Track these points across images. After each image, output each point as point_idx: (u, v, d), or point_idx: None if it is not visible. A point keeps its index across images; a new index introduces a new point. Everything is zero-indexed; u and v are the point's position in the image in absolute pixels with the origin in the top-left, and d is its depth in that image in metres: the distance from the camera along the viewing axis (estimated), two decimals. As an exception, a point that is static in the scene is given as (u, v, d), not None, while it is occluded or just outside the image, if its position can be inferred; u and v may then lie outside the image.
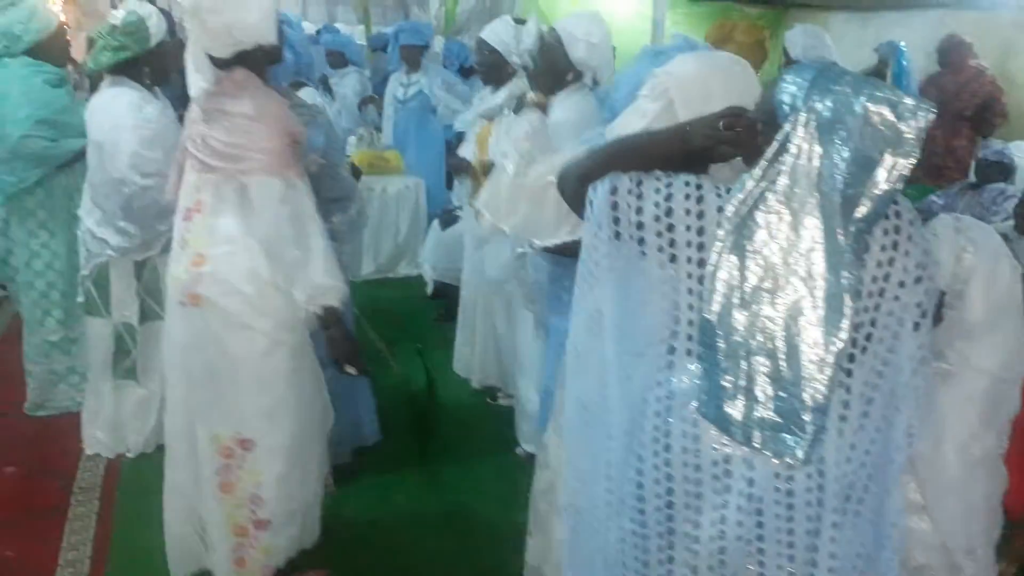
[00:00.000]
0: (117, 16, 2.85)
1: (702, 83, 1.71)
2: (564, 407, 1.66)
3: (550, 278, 2.32)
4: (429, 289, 4.77)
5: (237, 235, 2.04)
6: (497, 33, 3.53)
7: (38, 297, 3.29)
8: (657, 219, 1.29)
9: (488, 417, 3.65)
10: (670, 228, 1.29)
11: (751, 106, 1.75)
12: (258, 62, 2.11)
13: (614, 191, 1.32)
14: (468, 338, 3.82)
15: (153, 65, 2.89)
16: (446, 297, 4.57)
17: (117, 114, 2.80)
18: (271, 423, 2.13)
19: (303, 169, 2.14)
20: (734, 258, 1.24)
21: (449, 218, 4.36)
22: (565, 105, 2.83)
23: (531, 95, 2.97)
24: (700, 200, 1.29)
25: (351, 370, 2.15)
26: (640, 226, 1.29)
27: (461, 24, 8.40)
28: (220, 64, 2.08)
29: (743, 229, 1.25)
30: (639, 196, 1.30)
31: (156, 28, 2.87)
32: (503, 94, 3.50)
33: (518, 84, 3.48)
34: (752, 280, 1.24)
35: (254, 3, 2.05)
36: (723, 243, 1.24)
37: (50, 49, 3.18)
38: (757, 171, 1.25)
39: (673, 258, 1.30)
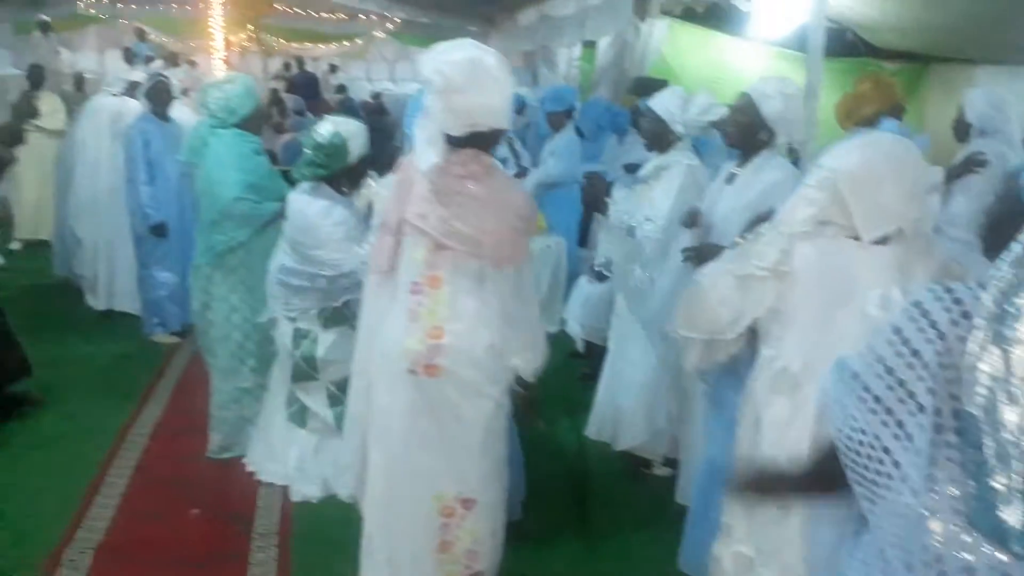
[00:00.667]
0: (323, 133, 3.13)
1: (870, 171, 1.83)
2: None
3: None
4: (579, 346, 4.81)
5: (475, 311, 2.20)
6: (664, 103, 3.62)
7: (235, 348, 3.56)
8: None
9: (641, 482, 3.65)
10: None
11: (922, 185, 1.81)
12: (486, 144, 2.23)
13: None
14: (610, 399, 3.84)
15: (350, 174, 3.19)
16: (594, 357, 4.61)
17: (311, 217, 3.10)
18: (490, 481, 2.30)
19: (529, 248, 2.29)
20: (996, 349, 1.21)
21: (599, 275, 4.42)
22: (774, 167, 2.90)
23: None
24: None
25: (540, 424, 2.39)
26: None
27: (594, 83, 8.58)
28: (452, 142, 2.19)
29: (1006, 317, 1.22)
30: None
31: (357, 146, 3.15)
32: (651, 167, 3.60)
33: (673, 156, 3.56)
34: (1020, 372, 1.20)
35: (498, 88, 2.14)
36: (982, 333, 1.22)
37: (254, 122, 3.54)
38: (1011, 256, 1.23)
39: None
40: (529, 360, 2.25)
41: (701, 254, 2.86)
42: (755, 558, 2.09)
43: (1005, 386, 1.18)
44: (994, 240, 1.33)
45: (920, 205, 1.87)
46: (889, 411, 1.34)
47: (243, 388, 3.61)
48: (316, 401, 3.32)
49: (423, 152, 2.18)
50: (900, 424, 1.34)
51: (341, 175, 3.18)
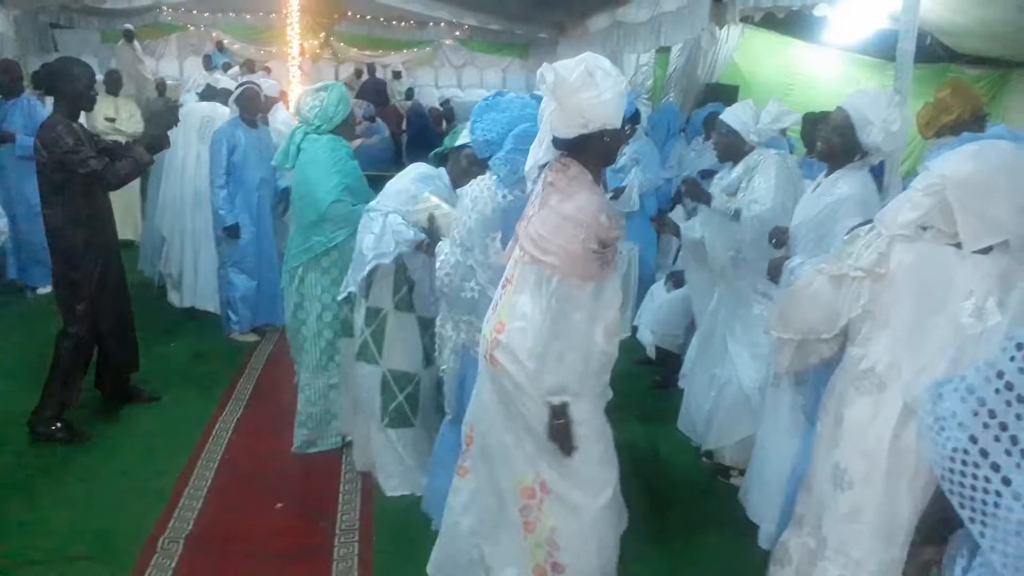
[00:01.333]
0: None
1: (983, 182, 1.80)
2: None
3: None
4: (651, 353, 4.80)
5: (530, 315, 2.26)
6: (736, 115, 3.69)
7: (325, 345, 3.68)
8: None
9: (715, 491, 3.63)
10: None
11: None
12: (597, 151, 2.24)
13: None
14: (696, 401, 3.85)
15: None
16: (665, 364, 4.61)
17: (397, 188, 3.20)
18: (564, 478, 2.33)
19: (603, 272, 2.27)
20: None
21: (678, 280, 4.41)
22: (848, 182, 2.85)
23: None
24: None
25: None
26: None
27: (665, 88, 8.57)
28: (561, 145, 2.23)
29: None
30: None
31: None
32: (740, 169, 3.62)
33: (757, 155, 3.61)
34: None
35: (609, 83, 2.14)
36: None
37: (346, 128, 3.67)
38: None
39: None
40: (558, 390, 2.25)
41: (775, 269, 2.87)
42: (818, 551, 2.11)
43: None
44: None
45: None
46: (1003, 426, 1.34)
47: (332, 384, 3.73)
48: (371, 387, 3.37)
49: (534, 152, 2.25)
50: (1014, 440, 1.33)
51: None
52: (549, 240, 2.20)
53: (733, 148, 3.70)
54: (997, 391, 1.35)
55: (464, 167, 3.07)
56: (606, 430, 2.41)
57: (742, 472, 3.51)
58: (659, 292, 4.67)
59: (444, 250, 2.73)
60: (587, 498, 2.35)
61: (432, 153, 3.41)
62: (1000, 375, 1.35)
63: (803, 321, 2.19)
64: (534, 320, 2.24)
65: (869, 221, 2.14)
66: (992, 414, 1.35)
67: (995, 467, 1.35)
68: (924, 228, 1.93)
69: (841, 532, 2.02)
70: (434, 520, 3.01)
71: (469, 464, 2.56)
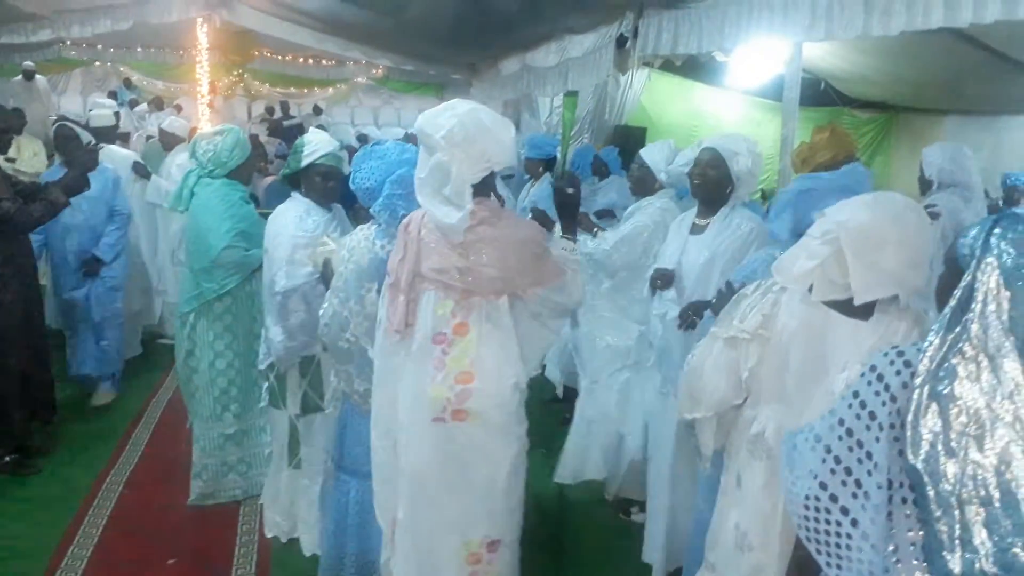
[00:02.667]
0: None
1: (876, 232, 1.76)
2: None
3: None
4: (559, 392, 4.82)
5: (500, 352, 2.26)
6: (653, 152, 3.85)
7: (219, 394, 3.57)
8: None
9: (618, 531, 3.64)
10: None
11: (926, 251, 1.79)
12: (488, 188, 2.31)
13: None
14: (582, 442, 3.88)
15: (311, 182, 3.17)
16: (572, 402, 4.63)
17: (282, 223, 3.11)
18: (512, 519, 2.37)
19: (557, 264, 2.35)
20: (934, 406, 1.27)
21: (576, 320, 4.45)
22: (744, 217, 2.99)
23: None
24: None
25: None
26: None
27: (576, 131, 8.73)
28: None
29: (940, 376, 1.28)
30: None
31: (310, 151, 3.16)
32: (630, 210, 3.80)
33: (653, 198, 3.77)
34: (956, 427, 1.26)
35: (505, 131, 2.27)
36: (920, 391, 1.28)
37: (243, 171, 3.61)
38: (943, 320, 1.29)
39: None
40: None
41: (691, 312, 2.90)
42: None
43: (944, 440, 1.24)
44: (942, 302, 1.38)
45: (922, 273, 1.78)
46: (848, 471, 1.40)
47: (226, 435, 3.61)
48: (321, 437, 3.23)
49: (441, 209, 2.21)
50: (858, 483, 1.39)
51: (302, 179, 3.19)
52: (508, 268, 2.23)
53: (644, 184, 3.85)
54: (840, 438, 1.41)
55: (319, 185, 3.15)
56: None
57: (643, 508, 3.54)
58: (564, 330, 4.70)
59: (328, 299, 2.70)
60: (518, 530, 2.40)
61: (280, 175, 3.39)
62: (841, 422, 1.41)
63: (712, 394, 2.09)
64: (508, 355, 2.27)
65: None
66: (837, 460, 1.41)
67: (844, 511, 1.40)
68: (823, 279, 1.87)
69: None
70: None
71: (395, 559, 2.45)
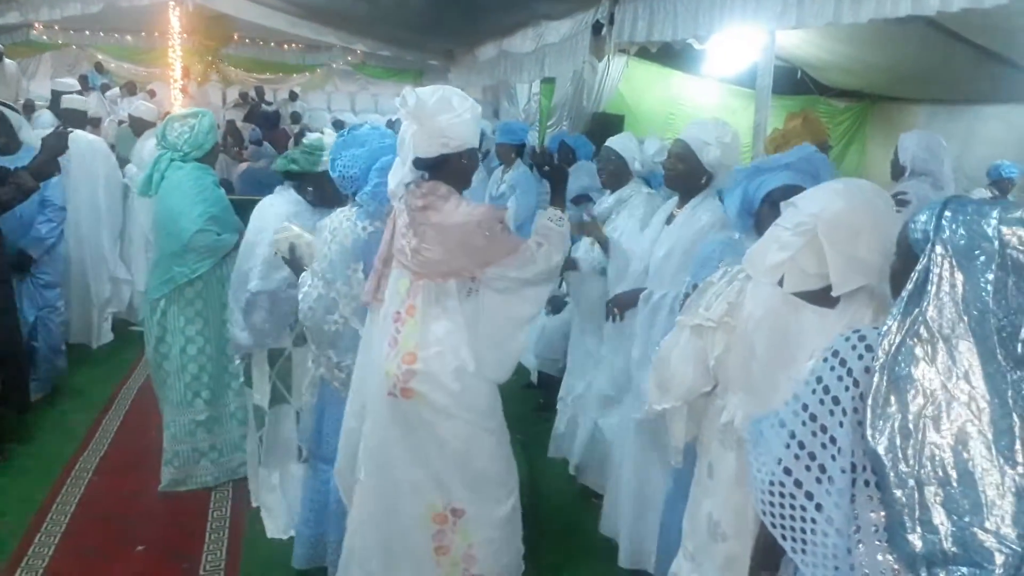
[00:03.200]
0: (311, 135, 3.20)
1: (852, 221, 1.73)
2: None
3: None
4: (533, 378, 4.83)
5: (443, 337, 2.31)
6: (624, 143, 3.83)
7: (190, 380, 3.55)
8: None
9: (590, 514, 3.66)
10: None
11: (894, 238, 1.78)
12: (454, 170, 2.35)
13: None
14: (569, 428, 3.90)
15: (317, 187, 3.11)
16: (547, 387, 4.65)
17: (266, 219, 3.08)
18: (477, 496, 2.42)
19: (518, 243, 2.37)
20: (893, 388, 1.28)
21: (557, 304, 4.46)
22: (707, 209, 2.98)
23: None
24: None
25: None
26: None
27: (553, 118, 8.72)
28: (422, 166, 2.31)
29: (897, 359, 1.29)
30: None
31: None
32: (612, 200, 3.75)
33: (630, 189, 3.75)
34: (913, 409, 1.27)
35: (467, 106, 2.30)
36: (880, 375, 1.29)
37: (213, 155, 3.59)
38: (900, 304, 1.31)
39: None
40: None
41: (621, 303, 2.95)
42: None
43: (903, 423, 1.26)
44: (897, 290, 1.40)
45: (889, 260, 1.70)
46: (812, 456, 1.41)
47: (198, 421, 3.59)
48: (286, 428, 3.26)
49: (395, 173, 2.30)
50: (822, 468, 1.41)
51: (309, 182, 3.13)
52: (451, 253, 2.28)
53: (618, 175, 3.82)
54: (804, 423, 1.42)
55: (329, 193, 3.01)
56: (507, 433, 2.52)
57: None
58: (541, 317, 4.71)
59: (307, 282, 2.67)
60: (499, 506, 2.44)
61: (281, 168, 3.21)
62: (804, 407, 1.42)
63: (681, 383, 2.04)
64: (452, 341, 2.32)
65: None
66: (801, 445, 1.42)
67: (808, 496, 1.42)
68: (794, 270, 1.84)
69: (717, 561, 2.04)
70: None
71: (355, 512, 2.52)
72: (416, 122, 2.25)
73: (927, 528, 1.21)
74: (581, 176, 5.19)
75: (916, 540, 1.23)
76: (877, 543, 1.35)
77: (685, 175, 2.98)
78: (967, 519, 1.19)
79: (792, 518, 1.45)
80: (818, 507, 1.41)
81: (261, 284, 3.01)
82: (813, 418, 1.41)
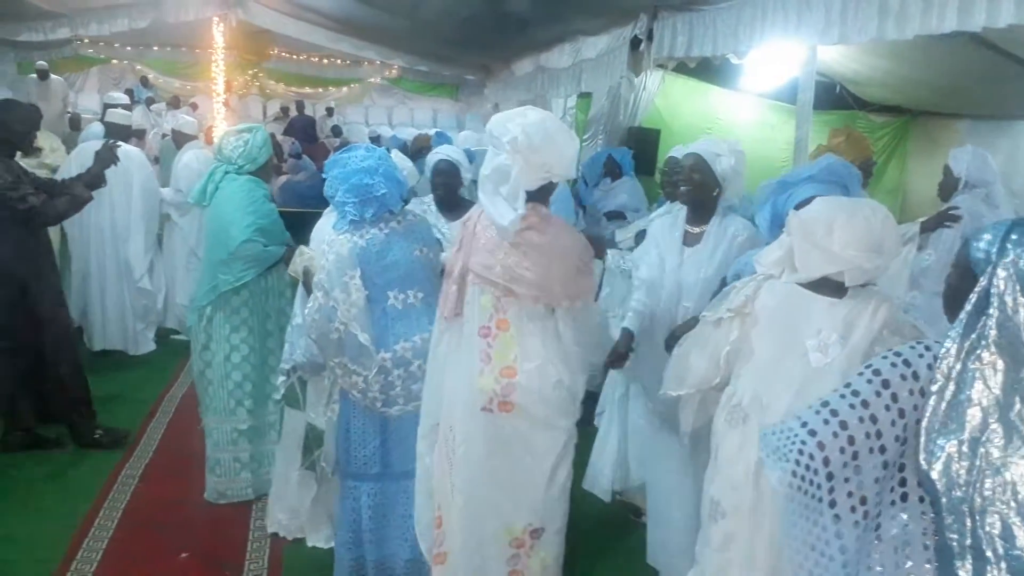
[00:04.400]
0: None
1: (822, 217, 2.00)
2: None
3: None
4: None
5: (542, 350, 2.34)
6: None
7: (233, 388, 3.61)
8: None
9: (629, 532, 3.64)
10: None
11: (878, 240, 1.94)
12: (545, 195, 2.42)
13: None
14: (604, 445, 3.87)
15: None
16: (583, 402, 4.63)
17: (322, 232, 3.14)
18: (557, 509, 2.45)
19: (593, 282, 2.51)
20: (952, 413, 1.27)
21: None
22: (735, 226, 2.98)
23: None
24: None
25: None
26: None
27: (590, 132, 8.74)
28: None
29: (956, 382, 1.28)
30: None
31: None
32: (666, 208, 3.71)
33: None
34: (970, 434, 1.26)
35: (569, 141, 2.37)
36: (937, 397, 1.28)
37: (267, 170, 3.66)
38: (959, 326, 1.30)
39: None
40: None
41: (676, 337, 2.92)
42: None
43: (959, 448, 1.24)
44: (952, 307, 1.39)
45: (871, 258, 1.94)
46: (851, 439, 1.42)
47: (240, 430, 3.64)
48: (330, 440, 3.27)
49: (497, 208, 2.31)
50: (855, 455, 1.42)
51: None
52: (549, 276, 2.32)
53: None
54: (852, 406, 1.44)
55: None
56: None
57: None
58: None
59: (310, 299, 2.76)
60: (563, 519, 2.47)
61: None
62: (856, 394, 1.45)
63: (695, 373, 2.29)
64: (550, 354, 2.35)
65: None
66: (844, 425, 1.44)
67: (829, 476, 1.43)
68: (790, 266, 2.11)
69: (715, 563, 2.13)
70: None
71: (446, 546, 2.50)
72: (522, 158, 2.28)
73: (978, 557, 1.19)
74: (619, 193, 5.21)
75: (966, 569, 1.20)
76: (927, 565, 1.33)
77: (700, 186, 2.98)
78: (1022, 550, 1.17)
79: (808, 499, 1.45)
80: (832, 503, 1.41)
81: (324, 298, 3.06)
82: (865, 404, 1.41)
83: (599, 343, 2.58)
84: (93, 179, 3.97)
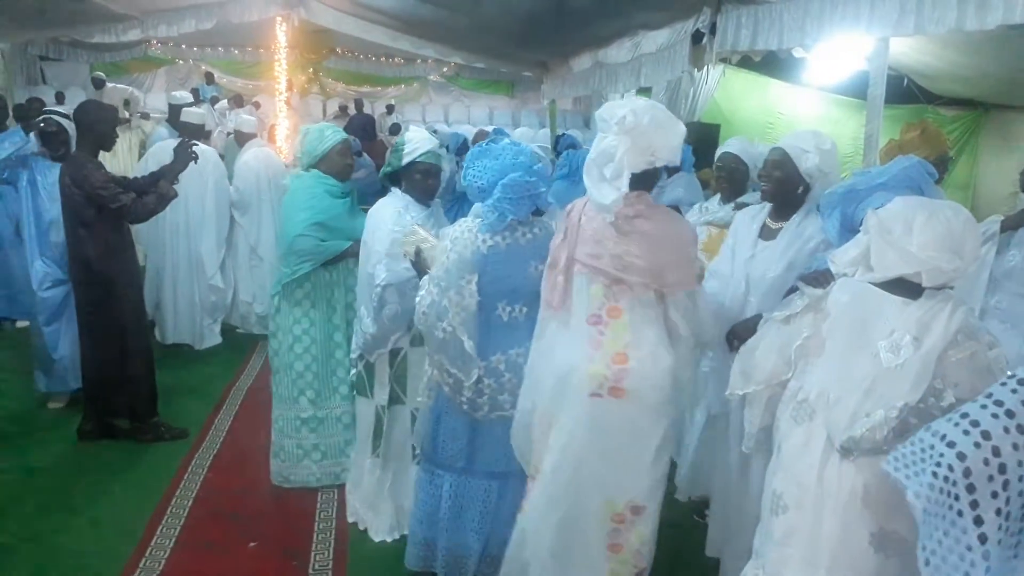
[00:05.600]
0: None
1: (901, 217, 1.94)
2: None
3: None
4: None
5: (654, 337, 2.42)
6: (743, 146, 3.72)
7: (295, 377, 3.68)
8: None
9: (693, 531, 3.59)
10: None
11: (959, 242, 1.89)
12: (648, 183, 2.47)
13: None
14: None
15: (411, 179, 3.24)
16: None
17: (380, 218, 3.19)
18: (658, 488, 2.54)
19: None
20: None
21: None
22: (813, 227, 2.88)
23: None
24: None
25: None
26: None
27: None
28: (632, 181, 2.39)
29: None
30: None
31: (411, 148, 3.23)
32: (731, 207, 3.68)
33: (750, 197, 3.66)
34: None
35: (677, 128, 2.41)
36: None
37: (332, 164, 3.61)
38: None
39: None
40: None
41: (740, 334, 2.82)
42: None
43: None
44: None
45: (951, 260, 1.89)
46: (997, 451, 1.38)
47: (302, 419, 3.71)
48: (400, 429, 3.33)
49: (598, 188, 2.37)
50: (1002, 468, 1.38)
51: (402, 177, 3.26)
52: (660, 263, 2.39)
53: (738, 183, 3.71)
54: (995, 415, 1.41)
55: (420, 182, 3.21)
56: None
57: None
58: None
59: (424, 287, 2.74)
60: (661, 498, 2.55)
61: (381, 174, 3.41)
62: (1000, 403, 1.42)
63: (763, 370, 2.28)
64: (661, 340, 2.44)
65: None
66: (987, 435, 1.41)
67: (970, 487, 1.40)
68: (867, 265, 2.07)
69: (776, 556, 2.10)
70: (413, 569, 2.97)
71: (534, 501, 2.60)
72: (630, 139, 2.32)
73: None
74: (676, 188, 5.15)
75: None
76: None
77: (782, 183, 2.91)
78: None
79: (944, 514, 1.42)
80: (977, 520, 1.36)
81: (388, 276, 3.07)
82: (1010, 415, 1.38)
83: (708, 328, 2.60)
84: (174, 176, 4.10)
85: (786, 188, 2.91)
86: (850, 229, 2.42)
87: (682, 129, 2.42)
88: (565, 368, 2.46)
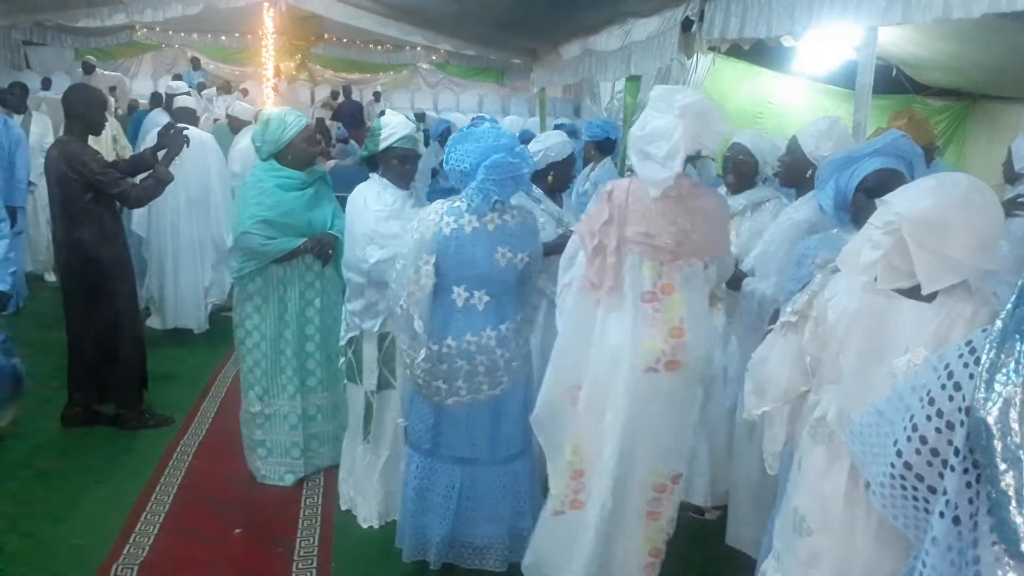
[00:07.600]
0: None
1: (940, 219, 1.69)
2: None
3: None
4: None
5: (704, 310, 2.60)
6: (754, 138, 3.50)
7: (246, 371, 3.64)
8: None
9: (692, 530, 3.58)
10: None
11: (995, 233, 1.71)
12: (688, 164, 2.58)
13: None
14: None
15: (389, 164, 3.23)
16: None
17: (360, 202, 3.19)
18: (690, 454, 2.71)
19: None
20: (1010, 361, 1.22)
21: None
22: (806, 206, 2.97)
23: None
24: None
25: None
26: None
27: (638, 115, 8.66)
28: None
29: (1016, 329, 1.23)
30: None
31: (387, 134, 3.20)
32: (743, 200, 3.45)
33: (761, 191, 3.48)
34: None
35: (726, 124, 2.56)
36: (993, 344, 1.24)
37: (288, 154, 3.47)
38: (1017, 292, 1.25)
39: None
40: None
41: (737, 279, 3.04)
42: None
43: (1020, 396, 1.20)
44: None
45: (991, 256, 1.71)
46: (924, 439, 1.40)
47: (251, 412, 3.65)
48: (390, 414, 3.31)
49: (647, 165, 2.47)
50: (935, 452, 1.38)
51: (380, 161, 3.25)
52: (711, 236, 2.58)
53: (747, 176, 3.47)
54: (922, 404, 1.40)
55: (397, 167, 3.22)
56: None
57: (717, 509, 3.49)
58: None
59: (399, 262, 2.77)
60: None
61: (358, 158, 3.40)
62: (928, 393, 1.39)
63: (778, 384, 2.07)
64: (708, 313, 2.64)
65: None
66: (916, 428, 1.41)
67: (919, 478, 1.42)
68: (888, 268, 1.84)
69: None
70: (404, 553, 2.95)
71: (584, 495, 2.66)
72: (687, 123, 2.40)
73: None
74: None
75: (1020, 514, 1.16)
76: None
77: (792, 168, 3.05)
78: None
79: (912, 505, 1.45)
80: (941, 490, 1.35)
81: (382, 253, 3.07)
82: (932, 402, 1.37)
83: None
84: (169, 161, 4.07)
85: (796, 172, 3.04)
86: (844, 201, 2.36)
87: (730, 124, 2.60)
88: (618, 347, 2.53)
